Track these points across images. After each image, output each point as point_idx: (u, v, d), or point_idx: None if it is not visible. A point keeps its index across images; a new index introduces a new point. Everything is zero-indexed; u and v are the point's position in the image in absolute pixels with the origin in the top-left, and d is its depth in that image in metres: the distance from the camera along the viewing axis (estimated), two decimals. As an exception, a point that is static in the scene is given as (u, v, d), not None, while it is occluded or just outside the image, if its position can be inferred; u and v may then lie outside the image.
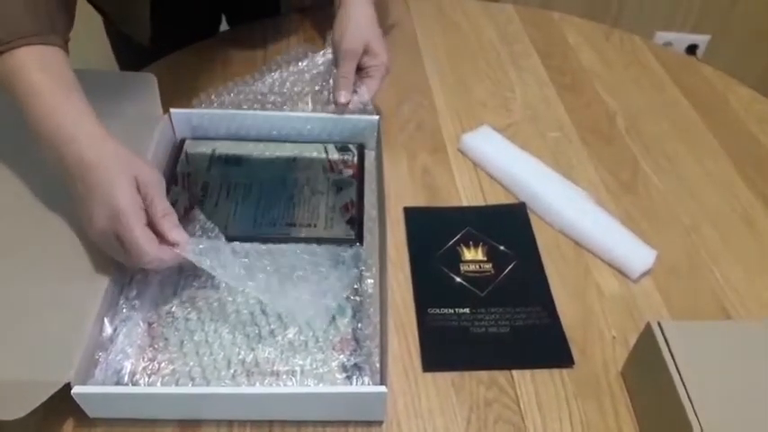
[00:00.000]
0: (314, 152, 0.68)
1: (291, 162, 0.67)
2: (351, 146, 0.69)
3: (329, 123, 0.69)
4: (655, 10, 1.70)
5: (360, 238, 0.59)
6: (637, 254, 0.61)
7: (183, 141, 0.69)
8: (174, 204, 0.51)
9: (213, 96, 0.73)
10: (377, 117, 0.68)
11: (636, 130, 0.77)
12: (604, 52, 0.91)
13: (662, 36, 1.75)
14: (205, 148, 0.68)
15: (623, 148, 0.75)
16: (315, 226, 0.60)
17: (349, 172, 0.66)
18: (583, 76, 0.86)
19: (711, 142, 0.76)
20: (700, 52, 1.78)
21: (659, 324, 0.48)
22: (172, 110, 0.67)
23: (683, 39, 1.76)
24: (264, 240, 0.58)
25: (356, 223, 0.60)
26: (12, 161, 0.61)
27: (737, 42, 1.75)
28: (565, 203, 0.65)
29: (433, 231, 0.64)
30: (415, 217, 0.65)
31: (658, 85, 0.85)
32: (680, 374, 0.44)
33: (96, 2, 0.79)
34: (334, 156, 0.68)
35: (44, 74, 0.48)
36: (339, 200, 0.63)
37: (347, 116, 0.68)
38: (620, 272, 0.61)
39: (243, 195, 0.63)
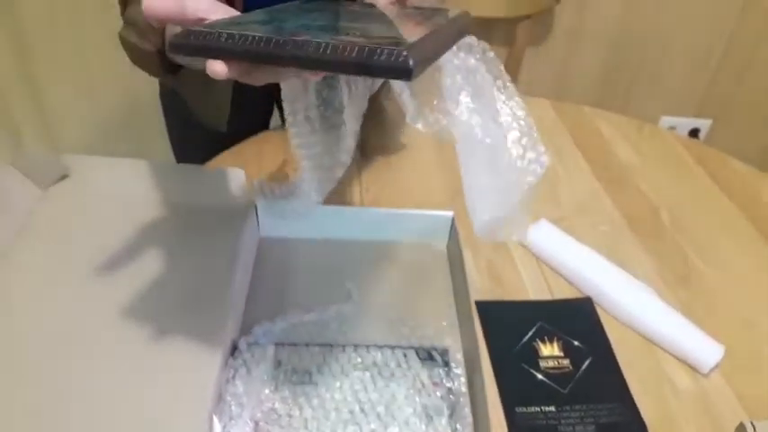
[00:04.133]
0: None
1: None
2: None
3: (405, 218, 0.72)
4: (660, 96, 1.79)
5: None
6: (705, 349, 0.64)
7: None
8: None
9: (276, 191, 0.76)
10: (451, 213, 0.71)
11: (680, 224, 0.81)
12: (638, 145, 0.96)
13: (666, 120, 1.84)
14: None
15: (671, 241, 0.79)
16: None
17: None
18: (622, 170, 0.91)
19: (753, 234, 0.80)
20: (702, 135, 1.87)
21: (752, 424, 0.50)
22: (258, 203, 0.70)
23: (686, 123, 1.85)
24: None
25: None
26: (113, 270, 0.63)
27: (738, 126, 1.84)
28: (630, 299, 0.68)
29: (507, 326, 0.66)
30: (487, 311, 0.67)
31: (694, 178, 0.90)
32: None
33: (179, 89, 0.83)
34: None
35: None
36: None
37: (422, 212, 0.71)
38: (690, 366, 0.63)
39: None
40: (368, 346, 0.59)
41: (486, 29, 1.63)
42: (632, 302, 0.67)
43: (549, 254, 0.74)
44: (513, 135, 0.53)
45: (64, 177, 0.72)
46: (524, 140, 0.53)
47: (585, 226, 0.80)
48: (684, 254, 0.77)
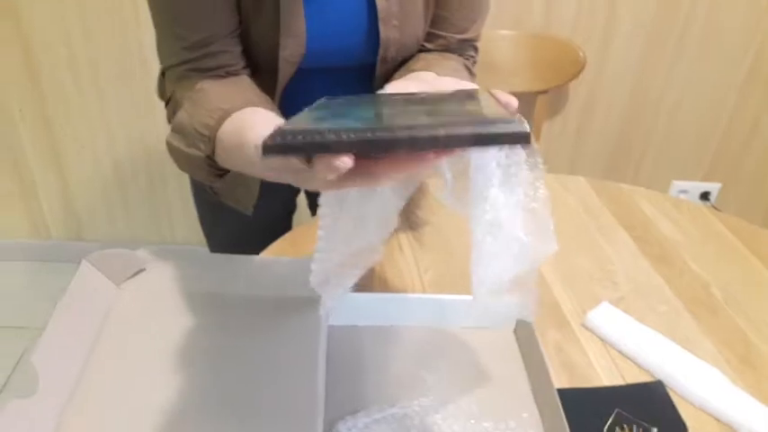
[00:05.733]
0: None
1: None
2: None
3: (471, 306, 0.73)
4: (671, 161, 1.84)
5: None
6: (783, 433, 0.65)
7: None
8: None
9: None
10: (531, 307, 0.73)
11: (733, 301, 0.83)
12: (679, 222, 0.99)
13: (677, 185, 1.89)
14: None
15: (728, 319, 0.81)
16: None
17: None
18: (668, 247, 0.93)
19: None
20: (712, 197, 1.92)
21: None
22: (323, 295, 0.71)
23: (696, 186, 1.90)
24: None
25: None
26: (194, 366, 0.64)
27: (746, 188, 1.89)
28: (702, 382, 0.69)
29: (586, 414, 0.66)
30: (565, 399, 0.68)
31: (737, 253, 0.93)
32: None
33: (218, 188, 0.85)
34: None
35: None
36: None
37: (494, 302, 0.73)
38: (770, 451, 0.64)
39: None
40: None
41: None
42: (704, 386, 0.69)
43: (615, 337, 0.75)
44: (527, 218, 0.54)
45: (141, 270, 0.73)
46: (535, 225, 0.54)
47: (644, 307, 0.81)
48: (743, 332, 0.79)
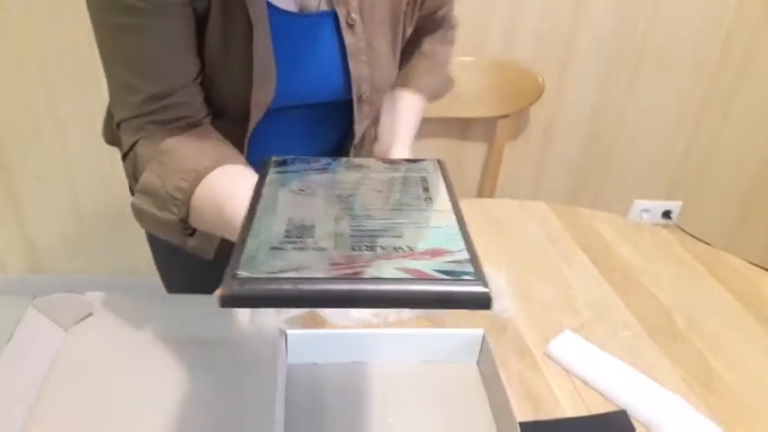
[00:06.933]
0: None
1: None
2: None
3: (434, 338, 0.72)
4: (632, 181, 1.87)
5: None
6: (746, 460, 0.64)
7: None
8: None
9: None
10: (482, 331, 0.72)
11: (694, 325, 0.84)
12: (639, 245, 1.00)
13: (639, 204, 1.92)
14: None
15: (689, 344, 0.81)
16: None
17: None
18: (629, 272, 0.94)
19: (761, 331, 0.83)
20: (674, 215, 1.95)
21: None
22: (288, 331, 0.70)
23: (658, 205, 1.93)
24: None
25: None
26: (147, 411, 0.61)
27: (706, 205, 1.93)
28: (663, 410, 0.69)
29: (550, 447, 0.66)
30: (529, 432, 0.67)
31: (697, 276, 0.94)
32: None
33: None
34: None
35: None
36: None
37: (451, 331, 0.72)
38: (734, 479, 0.64)
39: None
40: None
41: (468, 126, 1.70)
42: (666, 414, 0.68)
43: (578, 366, 0.75)
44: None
45: (88, 315, 0.70)
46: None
47: (606, 333, 0.81)
48: (704, 357, 0.79)
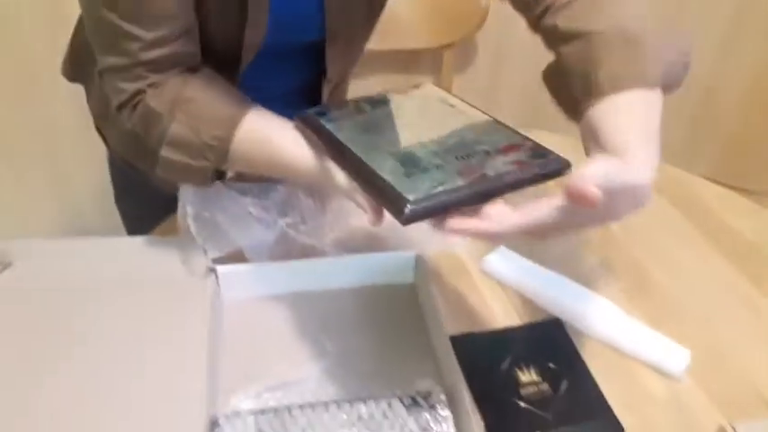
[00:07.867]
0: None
1: None
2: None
3: (368, 262, 0.72)
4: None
5: None
6: (673, 355, 0.66)
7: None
8: None
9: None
10: (414, 252, 0.72)
11: (631, 233, 0.85)
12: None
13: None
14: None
15: (627, 253, 0.82)
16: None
17: None
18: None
19: (697, 237, 0.85)
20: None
21: (732, 428, 0.52)
22: (219, 267, 0.69)
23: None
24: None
25: None
26: (79, 353, 0.60)
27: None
28: (597, 315, 0.70)
29: (483, 358, 0.66)
30: (462, 346, 0.67)
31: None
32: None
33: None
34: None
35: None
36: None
37: (384, 254, 0.72)
38: (663, 373, 0.66)
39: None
40: (351, 402, 0.58)
41: (414, 59, 1.66)
42: (599, 319, 0.69)
43: (512, 279, 0.75)
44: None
45: (8, 266, 0.68)
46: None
47: (540, 247, 0.81)
48: (640, 264, 0.80)
